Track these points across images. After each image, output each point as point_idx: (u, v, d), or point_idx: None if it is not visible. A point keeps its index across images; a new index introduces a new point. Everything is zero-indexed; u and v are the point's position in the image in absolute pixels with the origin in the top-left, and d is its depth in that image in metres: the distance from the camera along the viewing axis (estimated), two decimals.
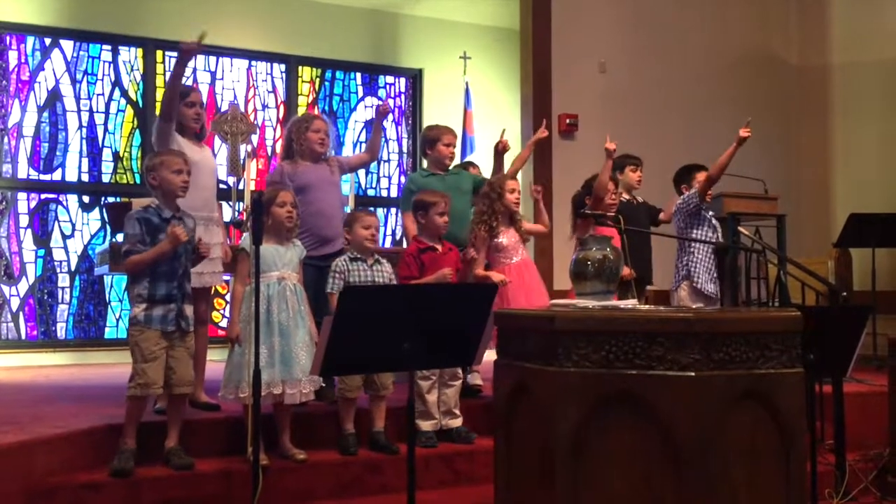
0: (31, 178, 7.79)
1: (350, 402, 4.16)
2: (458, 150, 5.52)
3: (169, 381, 3.77)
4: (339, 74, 9.15)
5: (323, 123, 4.85)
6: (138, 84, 8.22)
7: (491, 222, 4.71)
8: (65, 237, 7.86)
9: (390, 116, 9.34)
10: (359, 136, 9.17)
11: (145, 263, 3.75)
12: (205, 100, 8.26)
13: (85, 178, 7.98)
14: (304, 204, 4.51)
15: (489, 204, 4.74)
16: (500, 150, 5.24)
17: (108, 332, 7.90)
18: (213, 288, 4.70)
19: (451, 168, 5.21)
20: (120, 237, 5.79)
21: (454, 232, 4.70)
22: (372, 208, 9.00)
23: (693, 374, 2.36)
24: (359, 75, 9.23)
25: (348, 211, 4.85)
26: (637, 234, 5.15)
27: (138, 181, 7.94)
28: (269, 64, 8.81)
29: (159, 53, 8.27)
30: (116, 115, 8.14)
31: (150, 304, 3.74)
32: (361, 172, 9.05)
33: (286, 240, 4.10)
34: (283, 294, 3.97)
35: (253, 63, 8.72)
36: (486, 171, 5.71)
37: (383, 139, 9.25)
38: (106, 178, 8.04)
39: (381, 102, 5.08)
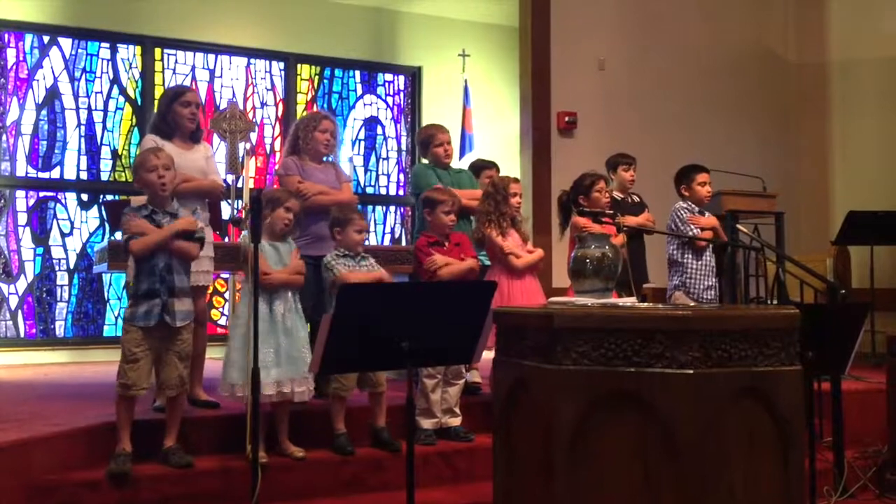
0: (29, 176, 7.78)
1: (342, 401, 4.13)
2: (456, 147, 5.52)
3: (157, 382, 3.77)
4: (338, 72, 9.15)
5: (331, 124, 4.85)
6: (137, 82, 8.21)
7: (500, 222, 4.71)
8: (63, 235, 7.85)
9: (389, 114, 9.35)
10: (357, 134, 9.17)
11: (148, 247, 3.73)
12: (203, 98, 8.35)
13: (83, 175, 7.98)
14: (306, 202, 4.51)
15: (495, 205, 4.73)
16: None
17: (107, 330, 7.90)
18: (212, 286, 4.70)
19: (452, 168, 5.23)
20: (118, 235, 5.78)
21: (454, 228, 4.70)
22: (371, 206, 9.04)
23: (691, 371, 2.36)
24: (358, 73, 9.23)
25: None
26: (633, 234, 5.16)
27: None
28: (267, 62, 8.81)
29: (158, 51, 8.27)
30: (115, 112, 8.13)
31: (135, 300, 3.74)
32: (360, 170, 9.11)
33: (279, 239, 4.10)
34: (286, 293, 3.99)
35: (252, 61, 8.72)
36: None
37: (382, 139, 9.27)
38: (104, 176, 8.04)
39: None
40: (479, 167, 5.66)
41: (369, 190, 9.17)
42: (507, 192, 4.76)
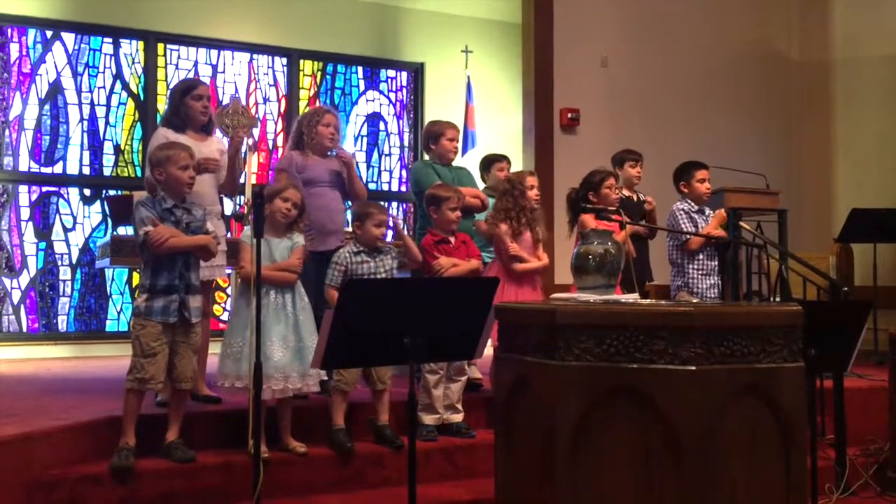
0: (32, 170, 7.79)
1: (344, 396, 4.10)
2: (459, 145, 5.52)
3: (170, 375, 3.76)
4: (340, 68, 9.14)
5: (334, 118, 4.86)
6: (139, 77, 8.21)
7: (519, 219, 4.64)
8: (66, 230, 7.86)
9: (391, 110, 9.35)
10: (360, 131, 9.17)
11: (179, 249, 3.73)
12: None
13: (86, 171, 7.98)
14: (310, 197, 4.51)
15: (513, 201, 4.65)
16: None
17: (109, 325, 7.92)
18: (215, 281, 4.70)
19: (452, 165, 5.22)
20: (121, 230, 5.79)
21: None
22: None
23: (694, 368, 2.36)
24: (360, 69, 9.22)
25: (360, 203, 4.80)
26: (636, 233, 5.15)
27: (139, 174, 7.94)
28: (270, 57, 8.80)
29: (160, 46, 8.27)
30: (118, 108, 8.13)
31: (151, 294, 3.71)
32: (363, 166, 9.10)
33: (281, 234, 4.07)
34: (287, 287, 3.97)
35: (254, 56, 8.71)
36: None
37: (385, 135, 9.27)
38: (107, 172, 8.04)
39: (342, 154, 4.85)
40: (491, 161, 5.67)
41: (371, 186, 9.16)
42: (524, 186, 4.68)
